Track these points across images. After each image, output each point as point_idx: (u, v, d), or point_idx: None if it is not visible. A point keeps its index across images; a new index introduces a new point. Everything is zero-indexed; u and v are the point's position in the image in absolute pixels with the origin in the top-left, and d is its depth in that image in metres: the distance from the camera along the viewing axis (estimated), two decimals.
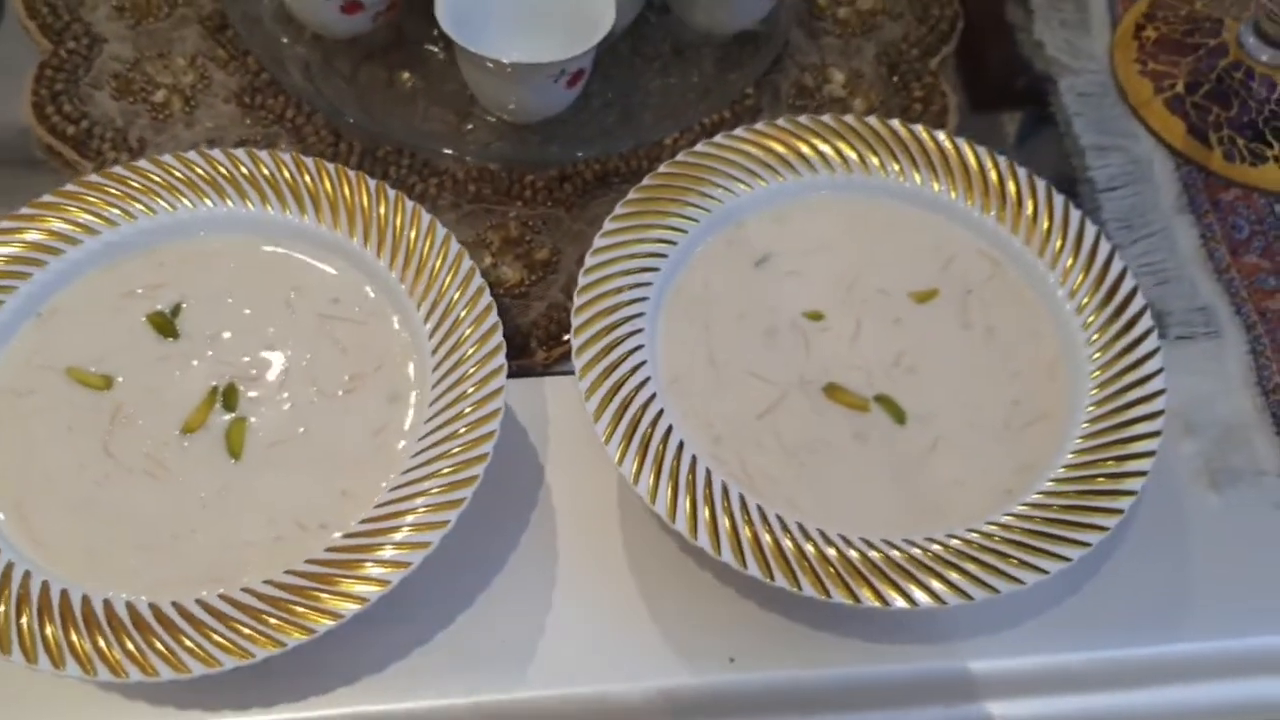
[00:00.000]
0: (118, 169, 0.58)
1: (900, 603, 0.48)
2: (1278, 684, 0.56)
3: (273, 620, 0.47)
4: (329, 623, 0.47)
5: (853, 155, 0.61)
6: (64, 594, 0.47)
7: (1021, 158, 0.62)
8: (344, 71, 0.68)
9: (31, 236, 0.56)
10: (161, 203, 0.58)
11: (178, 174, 0.58)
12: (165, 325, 0.56)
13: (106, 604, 0.47)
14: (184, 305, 0.56)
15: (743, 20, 0.70)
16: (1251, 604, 0.56)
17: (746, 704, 0.53)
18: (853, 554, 0.49)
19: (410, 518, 0.49)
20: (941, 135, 0.61)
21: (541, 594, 0.54)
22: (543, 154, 0.66)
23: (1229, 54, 0.71)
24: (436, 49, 0.69)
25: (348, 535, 0.49)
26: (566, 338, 0.61)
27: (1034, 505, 0.51)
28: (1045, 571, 0.49)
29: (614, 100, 0.68)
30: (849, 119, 0.62)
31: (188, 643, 0.46)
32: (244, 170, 0.59)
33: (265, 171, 0.58)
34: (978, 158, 0.61)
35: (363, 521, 0.50)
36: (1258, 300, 0.65)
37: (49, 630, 0.46)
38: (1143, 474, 0.52)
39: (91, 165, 0.66)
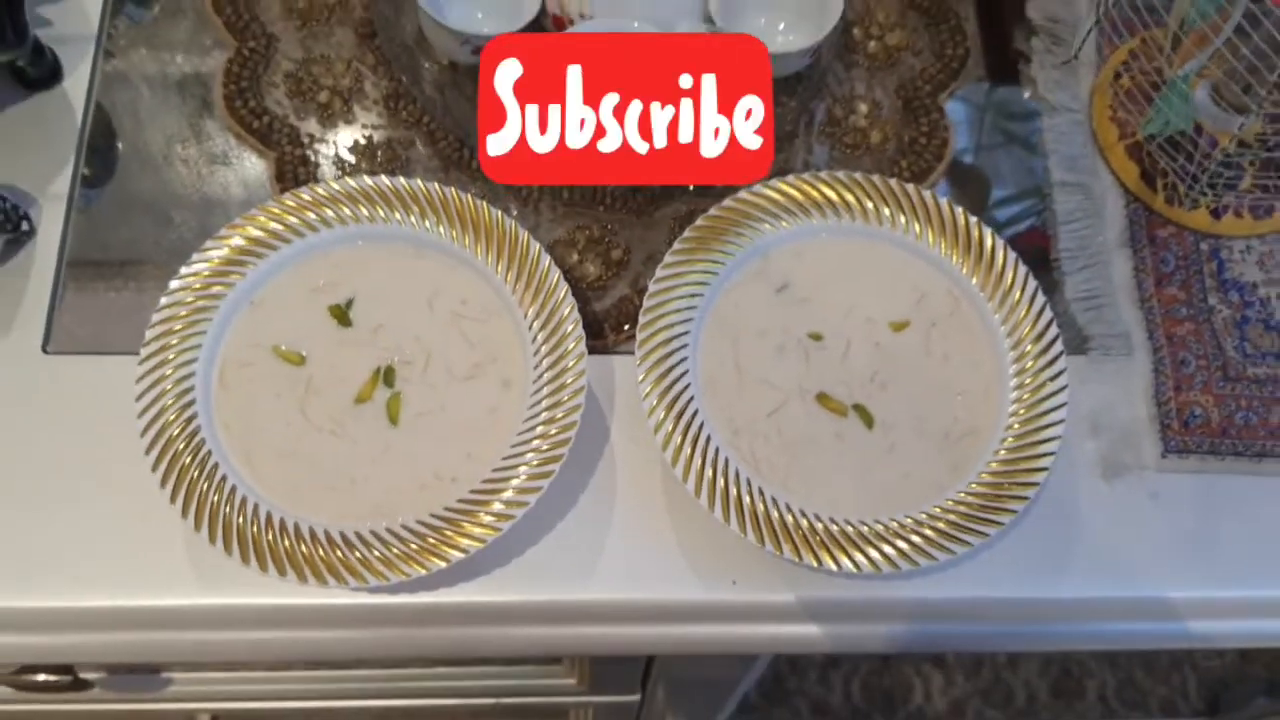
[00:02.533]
0: (303, 191, 0.78)
1: (849, 567, 0.70)
2: (1135, 625, 0.79)
3: (417, 548, 0.70)
4: (459, 554, 0.69)
5: (858, 203, 0.79)
6: (282, 521, 0.70)
7: (1009, 187, 0.79)
8: (468, 94, 0.86)
9: (237, 242, 0.77)
10: (332, 215, 0.77)
11: (343, 193, 0.78)
12: (342, 315, 0.77)
13: (310, 529, 0.70)
14: (354, 300, 0.77)
15: (789, 67, 0.86)
16: (1124, 563, 0.77)
17: (744, 615, 0.76)
18: (821, 527, 0.71)
19: (514, 481, 0.71)
20: (928, 193, 0.79)
21: (601, 525, 0.76)
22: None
23: None
24: None
25: (473, 490, 0.71)
26: (628, 327, 0.81)
27: (959, 499, 0.72)
28: (969, 544, 0.70)
29: None
30: (858, 176, 0.79)
31: (357, 559, 0.69)
32: (397, 190, 0.78)
33: (411, 192, 0.78)
34: (953, 212, 0.79)
35: (483, 481, 0.72)
36: (1168, 326, 0.83)
37: (269, 540, 0.69)
38: (1044, 470, 0.72)
39: (274, 155, 0.85)
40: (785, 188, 0.80)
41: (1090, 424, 0.81)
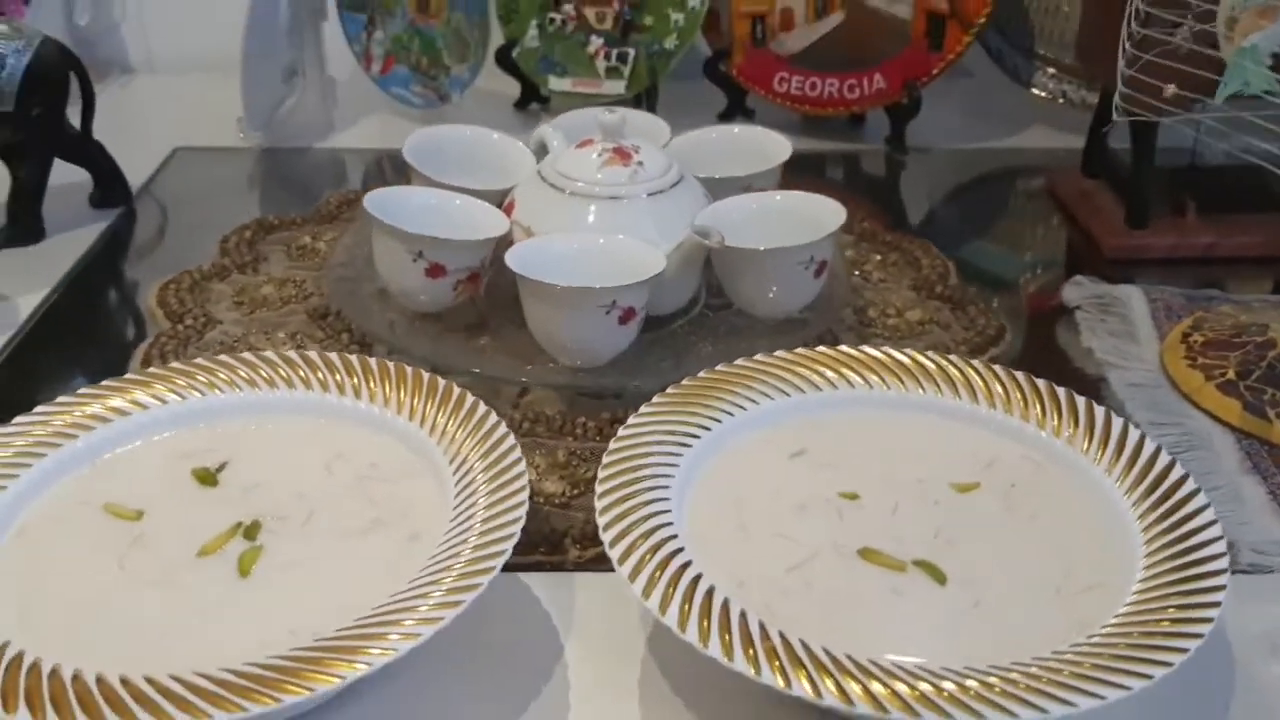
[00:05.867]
0: (198, 360, 0.63)
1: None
2: None
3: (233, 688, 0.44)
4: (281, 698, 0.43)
5: (890, 381, 0.63)
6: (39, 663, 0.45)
7: None
8: (429, 333, 0.74)
9: (97, 408, 0.60)
10: (223, 382, 0.62)
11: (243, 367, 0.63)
12: (208, 477, 0.57)
13: (75, 671, 0.45)
14: (229, 463, 0.58)
15: (786, 308, 0.74)
16: None
17: None
18: (878, 669, 0.45)
19: (399, 626, 0.47)
20: (984, 369, 0.63)
21: None
22: (598, 382, 0.69)
23: (1277, 347, 0.73)
24: (511, 322, 0.74)
25: (320, 639, 0.47)
26: (597, 544, 0.60)
27: (1081, 649, 0.46)
28: (1103, 697, 0.43)
29: (668, 358, 0.72)
30: (900, 354, 0.64)
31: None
32: (309, 360, 0.63)
33: (328, 362, 0.63)
34: (1015, 379, 0.62)
35: (340, 629, 0.47)
36: None
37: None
38: (1215, 610, 0.47)
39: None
40: (799, 359, 0.64)
41: (1269, 645, 0.55)
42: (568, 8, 1.11)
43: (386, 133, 1.11)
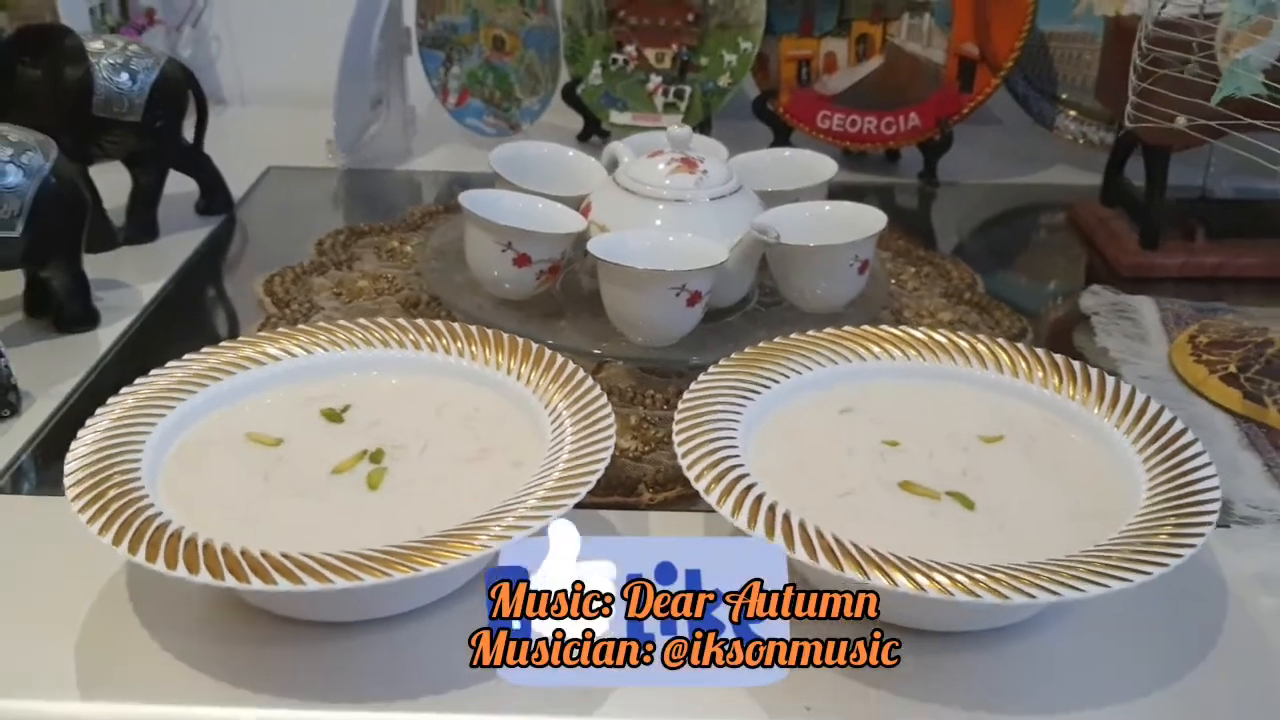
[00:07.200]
0: (320, 322, 0.72)
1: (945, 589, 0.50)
2: None
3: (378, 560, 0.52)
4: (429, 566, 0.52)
5: (926, 354, 0.71)
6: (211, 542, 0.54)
7: None
8: (514, 316, 0.83)
9: (232, 356, 0.69)
10: (344, 340, 0.71)
11: (359, 329, 0.72)
12: (334, 416, 0.66)
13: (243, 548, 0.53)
14: (351, 406, 0.67)
15: (831, 302, 0.83)
16: None
17: None
18: (916, 561, 0.53)
19: (508, 518, 0.55)
20: (1008, 346, 0.71)
21: None
22: (666, 356, 0.78)
23: (1275, 346, 0.81)
24: (587, 310, 0.83)
25: (455, 528, 0.55)
26: (667, 489, 0.68)
27: (1092, 551, 0.54)
28: (1108, 585, 0.51)
29: (728, 342, 0.80)
30: (936, 333, 0.72)
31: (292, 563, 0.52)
32: (419, 327, 0.72)
33: (435, 328, 0.72)
34: (1035, 354, 0.70)
35: (472, 520, 0.56)
36: None
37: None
38: (1207, 526, 0.55)
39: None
40: (852, 335, 0.72)
41: (1261, 582, 0.63)
42: (630, 49, 1.22)
43: (460, 158, 1.22)
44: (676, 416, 0.63)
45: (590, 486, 0.57)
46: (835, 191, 0.91)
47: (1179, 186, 1.08)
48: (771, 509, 0.56)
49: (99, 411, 0.63)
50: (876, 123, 1.19)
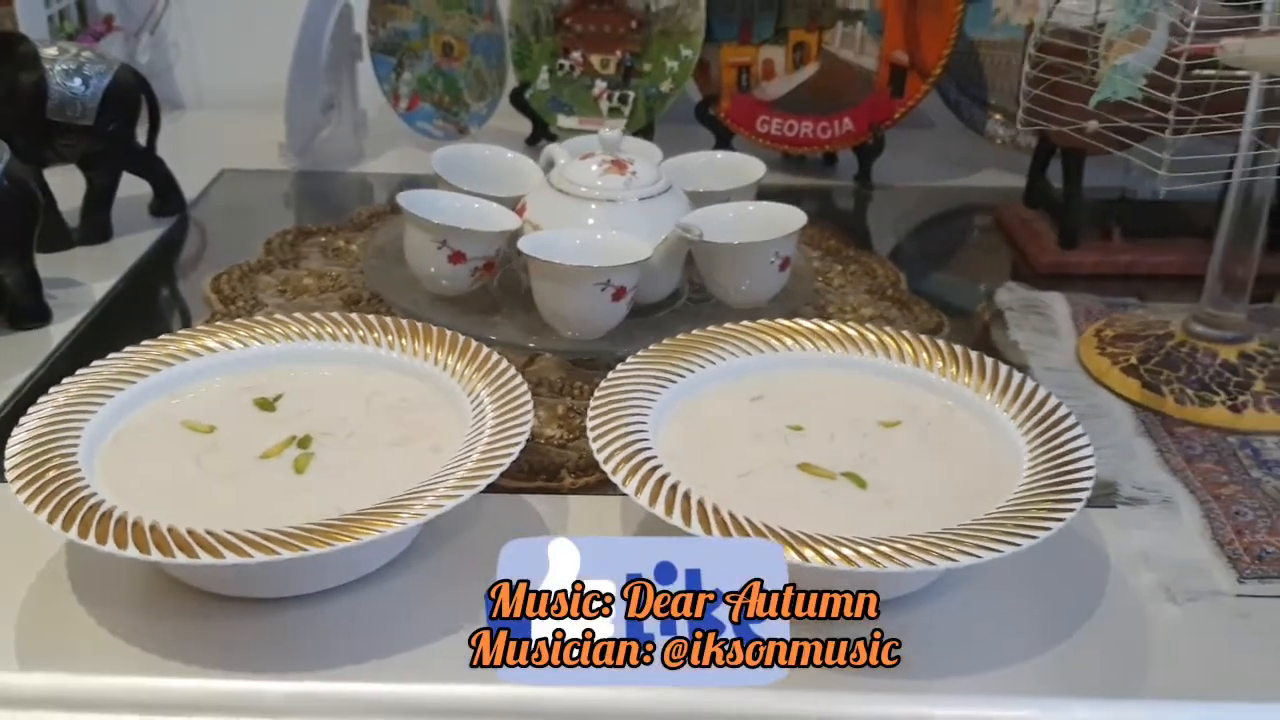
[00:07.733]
0: (257, 316, 0.76)
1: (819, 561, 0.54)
2: None
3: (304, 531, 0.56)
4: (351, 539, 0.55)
5: (834, 345, 0.75)
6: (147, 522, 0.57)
7: None
8: (450, 311, 0.86)
9: (172, 349, 0.72)
10: (278, 334, 0.74)
11: (294, 323, 0.75)
12: (266, 405, 0.70)
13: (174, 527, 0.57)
14: (283, 396, 0.70)
15: (755, 298, 0.87)
16: (1207, 680, 0.59)
17: None
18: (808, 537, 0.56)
19: (427, 499, 0.59)
20: (912, 337, 0.75)
21: None
22: (593, 349, 0.82)
23: (1175, 338, 0.85)
24: (520, 306, 0.87)
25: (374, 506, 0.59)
26: (588, 475, 0.72)
27: (974, 522, 0.58)
28: (979, 556, 0.55)
29: (653, 337, 0.83)
30: (847, 326, 0.76)
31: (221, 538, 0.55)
32: (350, 319, 0.75)
33: (366, 321, 0.75)
34: (936, 345, 0.74)
35: (391, 499, 0.59)
36: (1211, 489, 0.72)
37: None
38: (1079, 500, 0.59)
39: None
40: (759, 328, 0.76)
41: (1143, 558, 0.67)
42: (576, 55, 1.25)
43: (409, 161, 1.25)
44: (591, 404, 0.67)
45: (504, 468, 0.61)
46: (775, 194, 0.95)
47: (1101, 188, 1.13)
48: (673, 488, 0.60)
49: (40, 400, 0.66)
50: (813, 127, 1.23)
